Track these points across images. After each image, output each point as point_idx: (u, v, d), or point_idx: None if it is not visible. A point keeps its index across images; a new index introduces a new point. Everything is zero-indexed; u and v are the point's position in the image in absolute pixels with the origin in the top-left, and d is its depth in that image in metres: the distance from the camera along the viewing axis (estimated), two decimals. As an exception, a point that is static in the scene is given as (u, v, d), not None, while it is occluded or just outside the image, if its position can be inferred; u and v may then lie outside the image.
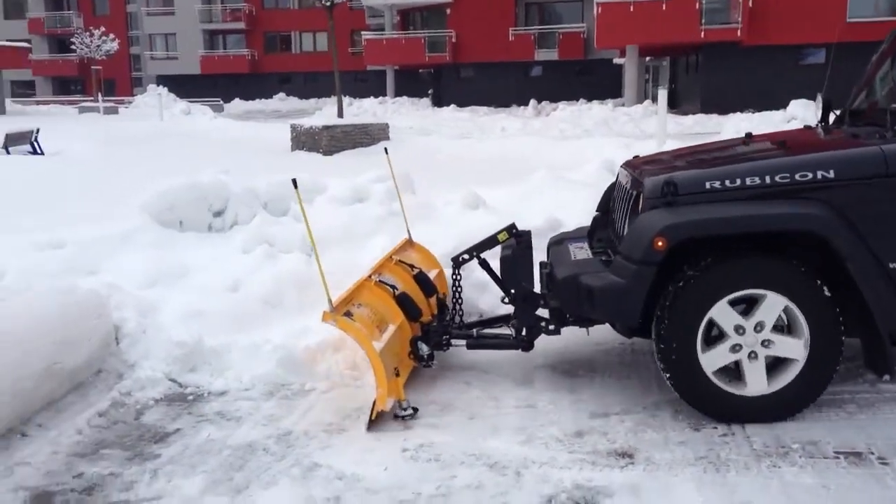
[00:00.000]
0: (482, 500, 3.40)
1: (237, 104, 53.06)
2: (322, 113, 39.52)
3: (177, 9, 60.35)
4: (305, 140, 17.57)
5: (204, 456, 3.96)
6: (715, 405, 4.03)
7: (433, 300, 5.23)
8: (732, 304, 3.97)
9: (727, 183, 4.02)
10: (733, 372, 4.07)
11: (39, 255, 6.35)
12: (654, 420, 4.11)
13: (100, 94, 41.77)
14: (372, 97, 44.20)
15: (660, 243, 3.90)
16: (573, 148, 16.18)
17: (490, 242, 5.03)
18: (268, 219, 6.76)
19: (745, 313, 3.98)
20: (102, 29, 52.96)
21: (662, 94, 12.64)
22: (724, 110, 26.35)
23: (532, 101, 36.09)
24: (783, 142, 4.43)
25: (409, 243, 5.80)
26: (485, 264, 5.06)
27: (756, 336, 3.97)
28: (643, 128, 24.71)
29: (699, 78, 30.73)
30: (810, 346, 3.94)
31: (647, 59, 39.29)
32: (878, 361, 3.99)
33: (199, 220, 6.98)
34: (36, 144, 16.36)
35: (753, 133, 5.03)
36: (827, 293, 3.90)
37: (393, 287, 4.80)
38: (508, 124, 26.39)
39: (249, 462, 3.87)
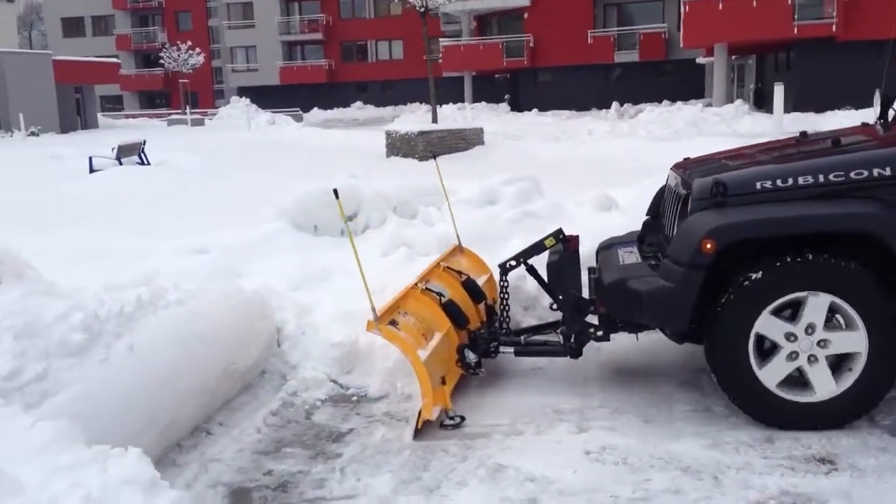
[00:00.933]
0: (685, 503, 3.32)
1: (316, 113, 53.95)
2: (401, 119, 39.97)
3: (257, 21, 61.74)
4: (401, 146, 17.76)
5: (385, 456, 4.00)
6: (782, 415, 3.90)
7: (482, 307, 5.15)
8: (776, 313, 3.83)
9: (779, 182, 3.89)
10: (798, 379, 3.91)
11: (186, 260, 6.56)
12: (846, 425, 3.96)
13: (187, 107, 42.96)
14: (450, 103, 44.32)
15: (708, 245, 3.79)
16: (672, 149, 15.82)
17: (537, 248, 4.94)
18: (402, 222, 6.81)
19: (792, 319, 3.84)
20: (189, 43, 54.56)
21: (779, 91, 12.31)
22: (818, 108, 25.52)
23: (614, 104, 35.67)
24: (838, 139, 4.26)
25: (459, 249, 5.72)
26: (532, 270, 4.99)
27: (810, 339, 3.82)
28: (734, 128, 24.08)
29: (792, 76, 29.83)
30: (869, 337, 3.76)
31: (733, 57, 38.37)
32: None
33: (332, 225, 7.09)
34: (143, 155, 16.95)
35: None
36: (872, 281, 3.74)
37: (440, 294, 4.75)
38: (595, 127, 26.11)
39: (432, 462, 3.89)
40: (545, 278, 4.91)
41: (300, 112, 48.85)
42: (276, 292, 5.40)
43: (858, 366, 3.84)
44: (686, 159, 5.03)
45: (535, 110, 38.01)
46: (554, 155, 16.43)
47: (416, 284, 4.78)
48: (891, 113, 5.00)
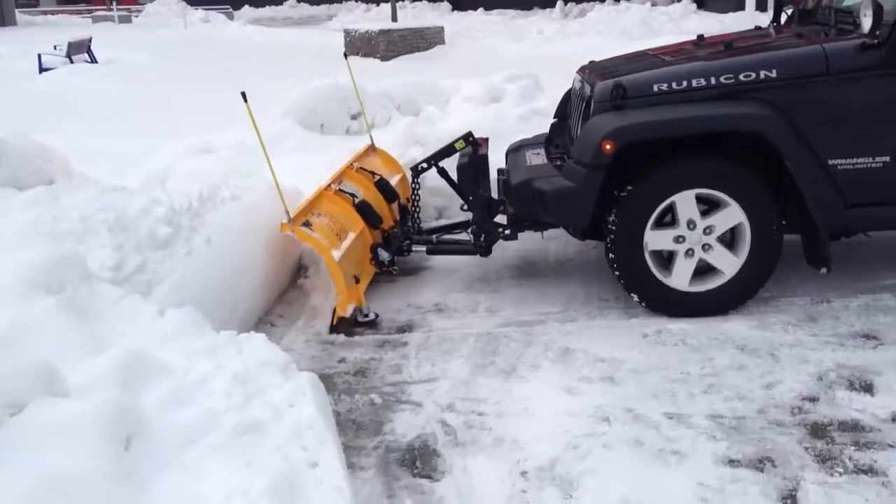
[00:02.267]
0: (752, 378, 3.61)
1: (247, 11, 51.51)
2: (339, 19, 38.72)
3: (180, -90, 58.16)
4: (361, 45, 17.36)
5: (451, 343, 4.18)
6: (639, 284, 4.24)
7: (395, 206, 5.32)
8: (657, 225, 4.14)
9: (674, 85, 4.10)
10: (665, 262, 4.27)
11: (197, 160, 6.47)
12: (879, 304, 4.30)
13: (114, 3, 40.67)
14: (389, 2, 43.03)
15: (608, 146, 4.01)
16: (633, 46, 15.98)
17: (448, 151, 5.10)
18: (411, 120, 6.81)
19: (703, 215, 4.14)
20: (111, -67, 51.14)
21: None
22: (763, 7, 25.75)
23: (559, 3, 35.20)
24: (730, 43, 4.49)
25: (372, 149, 5.82)
26: (443, 172, 5.16)
27: (701, 237, 4.15)
28: (683, 27, 24.18)
29: (735, -23, 29.89)
30: (742, 265, 4.14)
31: (675, -43, 38.09)
32: (818, 256, 4.15)
33: (338, 124, 7.05)
34: (91, 53, 16.18)
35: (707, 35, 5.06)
36: (720, 159, 4.07)
37: (353, 195, 4.87)
38: (544, 27, 25.76)
39: (499, 348, 4.09)
40: (456, 180, 5.05)
41: (230, 10, 46.76)
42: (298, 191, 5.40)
43: (716, 282, 4.21)
44: (591, 62, 5.17)
45: (480, 9, 37.31)
46: (520, 53, 16.35)
47: (329, 185, 4.84)
48: (783, 16, 5.24)
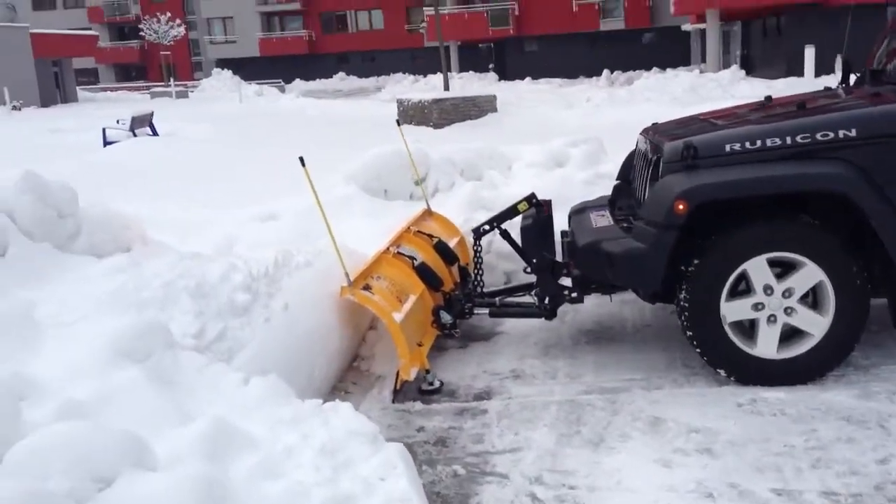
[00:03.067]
0: (864, 451, 3.37)
1: (298, 84, 53.27)
2: (387, 91, 39.61)
3: (233, -8, 60.68)
4: (414, 114, 17.60)
5: (532, 411, 4.01)
6: (724, 357, 4.04)
7: (455, 269, 5.19)
8: (770, 263, 3.93)
9: (747, 145, 3.98)
10: (748, 331, 4.06)
11: (262, 226, 6.48)
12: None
13: (172, 80, 42.23)
14: (437, 73, 43.91)
15: (681, 206, 3.88)
16: (683, 112, 15.93)
17: (510, 213, 5.00)
18: (477, 184, 6.76)
19: (779, 277, 3.94)
20: (168, 14, 53.51)
21: (809, 54, 12.34)
22: (820, 73, 25.61)
23: (605, 72, 35.59)
24: (803, 103, 4.36)
25: (428, 213, 5.74)
26: (506, 234, 5.04)
27: (781, 301, 3.94)
28: (732, 93, 24.13)
29: (782, 41, 29.96)
30: (831, 326, 3.92)
31: (720, 24, 38.39)
32: None
33: (401, 189, 7.04)
34: (153, 126, 16.68)
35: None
36: (856, 268, 3.88)
37: (412, 258, 4.76)
38: (592, 94, 25.98)
39: (583, 416, 3.91)
40: (519, 242, 4.95)
41: (282, 83, 48.25)
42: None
43: (806, 346, 4.00)
44: (654, 124, 5.09)
45: (527, 78, 37.88)
46: (572, 121, 16.37)
47: (387, 249, 4.76)
48: (852, 78, 5.12)
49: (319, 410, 2.82)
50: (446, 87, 19.66)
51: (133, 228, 4.07)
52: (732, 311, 4.01)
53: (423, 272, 4.72)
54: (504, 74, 44.34)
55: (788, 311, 3.98)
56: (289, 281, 4.06)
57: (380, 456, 2.69)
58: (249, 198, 7.89)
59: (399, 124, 6.11)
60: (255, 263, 3.91)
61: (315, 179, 7.49)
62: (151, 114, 16.94)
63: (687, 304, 4.04)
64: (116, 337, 2.76)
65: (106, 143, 14.90)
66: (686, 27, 38.93)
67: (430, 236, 5.26)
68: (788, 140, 3.95)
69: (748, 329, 4.10)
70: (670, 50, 43.06)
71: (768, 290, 3.96)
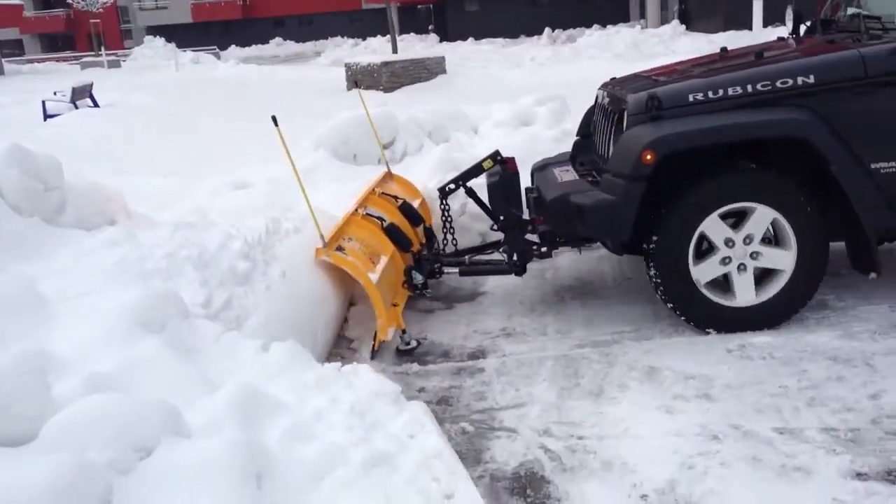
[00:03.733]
0: (855, 388, 3.52)
1: (233, 51, 51.90)
2: (326, 55, 38.93)
3: (163, -44, 58.68)
4: (363, 78, 17.36)
5: (529, 367, 4.07)
6: (707, 316, 4.20)
7: (420, 229, 5.27)
8: (723, 217, 4.09)
9: (710, 94, 4.09)
10: (723, 284, 4.23)
11: (234, 195, 6.38)
12: None
13: (102, 49, 40.81)
14: (377, 36, 43.35)
15: (648, 157, 3.98)
16: (629, 69, 16.08)
17: (475, 171, 5.06)
18: (447, 146, 6.75)
19: (735, 227, 4.11)
20: (97, -20, 51.46)
21: (758, 6, 12.52)
22: (749, 25, 26.03)
23: (546, 30, 35.56)
24: (760, 52, 4.50)
25: (389, 175, 5.79)
26: (471, 192, 5.11)
27: (745, 248, 4.12)
28: (674, 48, 24.38)
29: (721, -4, 30.24)
30: (797, 257, 4.09)
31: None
32: (864, 261, 4.12)
33: (370, 153, 6.98)
34: (93, 97, 16.14)
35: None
36: (812, 204, 4.04)
37: (380, 219, 4.82)
38: (537, 53, 26.00)
39: (580, 370, 3.99)
40: (484, 200, 5.00)
41: (217, 50, 47.00)
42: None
43: (780, 284, 4.15)
44: (613, 79, 5.17)
45: (469, 39, 37.66)
46: (521, 79, 16.40)
47: (356, 210, 4.77)
48: (802, 28, 5.27)
49: (342, 374, 2.83)
50: (394, 50, 19.45)
51: (115, 201, 3.98)
52: (704, 272, 4.13)
53: (393, 233, 4.72)
54: (445, 36, 43.97)
55: (754, 255, 4.11)
56: (281, 248, 4.03)
57: (405, 415, 2.72)
58: (214, 167, 7.76)
59: (358, 86, 6.03)
60: (248, 231, 3.87)
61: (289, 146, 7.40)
62: (91, 84, 16.38)
63: (659, 282, 4.16)
64: (132, 308, 2.72)
65: (46, 116, 14.38)
66: (624, -17, 39.13)
67: (395, 198, 5.26)
68: (749, 88, 4.03)
69: (723, 282, 4.22)
70: (609, 7, 43.22)
71: (729, 242, 4.09)
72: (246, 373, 2.74)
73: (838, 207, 4.10)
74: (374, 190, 5.25)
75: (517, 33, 41.09)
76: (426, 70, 17.51)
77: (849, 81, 3.98)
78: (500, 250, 4.91)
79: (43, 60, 51.40)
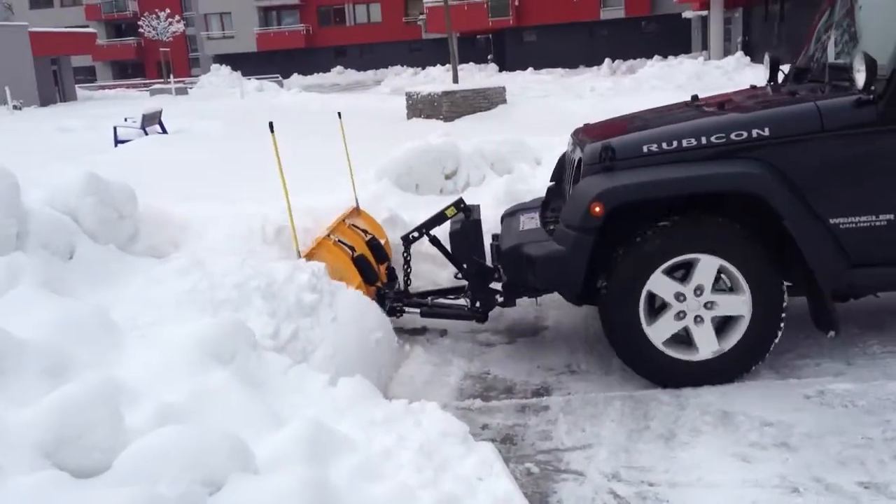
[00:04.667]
0: (943, 439, 3.33)
1: (296, 79, 53.08)
2: (386, 83, 39.48)
3: (230, -13, 60.39)
4: (424, 108, 17.51)
5: (596, 407, 3.96)
6: (667, 373, 4.03)
7: (383, 268, 5.15)
8: (668, 272, 3.92)
9: (664, 146, 3.97)
10: (683, 337, 4.03)
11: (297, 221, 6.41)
12: None
13: (171, 76, 42.08)
14: (437, 65, 43.81)
15: (597, 209, 3.86)
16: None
17: (439, 219, 4.97)
18: (510, 178, 6.71)
19: (684, 279, 3.93)
20: (168, 11, 53.27)
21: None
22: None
23: (606, 61, 35.54)
24: (722, 103, 4.34)
25: (357, 211, 5.67)
26: (435, 241, 5.00)
27: (697, 300, 3.93)
28: (737, 80, 24.05)
29: (784, 26, 29.85)
30: (752, 301, 3.89)
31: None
32: (823, 318, 3.93)
33: (432, 183, 6.99)
34: (162, 124, 16.61)
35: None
36: (759, 248, 3.87)
37: (352, 248, 4.73)
38: (597, 84, 25.97)
39: (650, 411, 3.87)
40: (448, 248, 4.91)
41: (280, 78, 48.06)
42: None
43: (742, 328, 3.98)
44: (586, 125, 5.06)
45: (529, 69, 37.80)
46: (582, 111, 16.25)
47: (328, 235, 4.71)
48: (780, 76, 5.10)
49: (410, 411, 2.78)
50: (455, 80, 19.55)
51: (188, 229, 4.02)
52: (659, 331, 4.00)
53: (361, 264, 4.66)
54: (503, 65, 44.26)
55: (709, 305, 3.96)
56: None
57: (474, 456, 2.66)
58: (277, 194, 7.82)
59: (340, 116, 6.01)
60: (314, 264, 3.86)
61: (345, 174, 7.41)
62: (161, 111, 16.86)
63: (611, 332, 4.06)
64: (203, 338, 2.72)
65: (117, 141, 14.82)
66: (687, 14, 38.87)
67: (365, 231, 5.22)
68: (703, 140, 3.94)
69: (683, 336, 4.06)
70: (670, 38, 43.01)
71: (680, 296, 3.95)
72: (314, 407, 2.71)
73: (797, 264, 3.94)
74: (343, 220, 5.20)
75: (576, 63, 41.15)
76: (486, 100, 17.57)
77: (804, 135, 3.87)
78: (464, 296, 4.85)
79: (113, 87, 53.32)
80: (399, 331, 4.66)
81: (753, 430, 3.58)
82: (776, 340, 4.00)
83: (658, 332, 4.00)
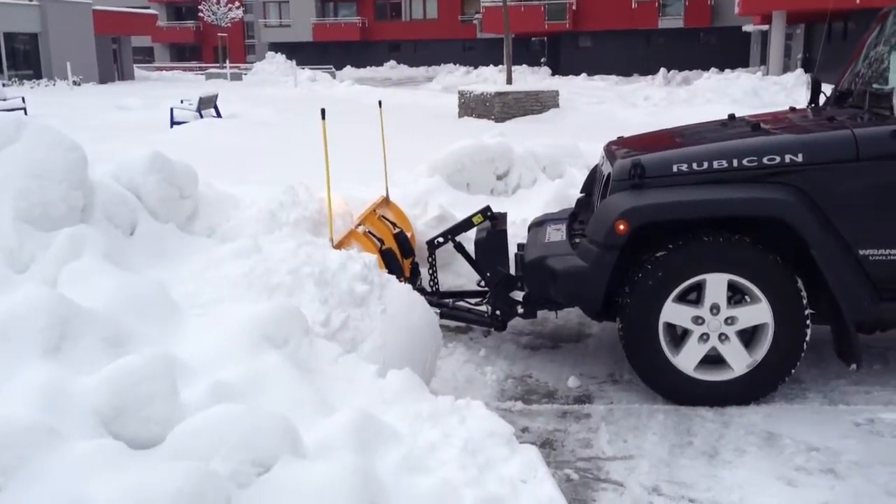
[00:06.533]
0: None
1: (349, 71, 53.47)
2: (437, 80, 39.52)
3: (290, -24, 61.03)
4: (475, 107, 17.54)
5: (638, 418, 3.93)
6: (709, 398, 3.97)
7: (408, 262, 5.11)
8: (680, 299, 3.85)
9: (694, 166, 3.89)
10: (714, 358, 3.95)
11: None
12: None
13: (227, 61, 42.68)
14: (491, 66, 43.73)
15: (621, 226, 3.80)
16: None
17: (465, 225, 4.94)
18: (563, 182, 6.69)
19: (698, 301, 3.86)
20: (225, -4, 54.07)
21: None
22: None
23: (662, 70, 35.15)
24: (758, 124, 4.21)
25: (386, 202, 5.61)
26: (460, 247, 4.95)
27: (717, 319, 3.85)
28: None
29: (847, 45, 29.24)
30: (772, 307, 3.80)
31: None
32: (846, 350, 3.81)
33: (484, 183, 6.99)
34: (216, 108, 16.86)
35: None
36: (759, 249, 3.79)
37: (381, 240, 4.69)
38: (651, 93, 25.61)
39: (694, 427, 3.82)
40: (472, 255, 4.88)
41: (333, 69, 48.45)
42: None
43: (721, 376, 3.92)
44: (619, 138, 4.98)
45: (582, 74, 37.58)
46: (637, 120, 16.17)
47: (358, 226, 4.69)
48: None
49: (455, 408, 2.79)
50: (509, 80, 19.50)
51: (244, 210, 4.08)
52: (687, 359, 3.94)
53: (388, 258, 4.67)
54: (557, 69, 44.05)
55: (730, 320, 3.89)
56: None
57: (518, 458, 2.65)
58: (339, 182, 7.89)
59: (380, 105, 6.04)
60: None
61: (400, 168, 7.44)
62: (216, 95, 17.11)
63: (650, 375, 4.01)
64: (259, 321, 2.76)
65: (173, 122, 15.08)
66: (747, 28, 38.29)
67: (394, 224, 5.21)
68: (735, 163, 3.87)
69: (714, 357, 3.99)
70: (728, 51, 42.45)
71: (698, 320, 3.88)
72: (362, 397, 2.73)
73: (824, 292, 3.85)
74: (374, 211, 5.20)
75: (630, 71, 40.79)
76: (539, 103, 17.51)
77: (838, 163, 3.78)
78: (485, 302, 4.83)
79: (171, 69, 54.30)
80: (443, 328, 4.68)
81: (799, 453, 3.52)
82: (807, 339, 3.90)
83: (686, 361, 3.95)
